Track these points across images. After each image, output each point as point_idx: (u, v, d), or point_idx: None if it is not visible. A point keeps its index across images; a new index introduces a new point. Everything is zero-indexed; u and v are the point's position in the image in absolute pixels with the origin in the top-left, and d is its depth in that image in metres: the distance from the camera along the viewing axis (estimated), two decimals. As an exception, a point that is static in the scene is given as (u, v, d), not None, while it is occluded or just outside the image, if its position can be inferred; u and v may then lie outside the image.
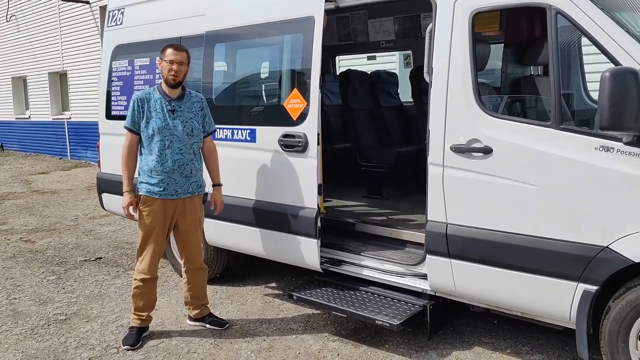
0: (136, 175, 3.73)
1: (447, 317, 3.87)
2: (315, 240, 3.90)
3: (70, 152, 15.57)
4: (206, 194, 3.92)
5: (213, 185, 3.94)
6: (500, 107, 3.55)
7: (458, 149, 3.24)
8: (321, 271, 4.03)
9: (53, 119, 16.17)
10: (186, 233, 3.82)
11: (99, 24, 13.61)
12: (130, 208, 3.70)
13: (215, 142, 3.99)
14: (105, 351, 3.72)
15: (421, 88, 5.25)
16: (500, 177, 3.12)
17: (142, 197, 3.70)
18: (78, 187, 10.93)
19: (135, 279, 3.79)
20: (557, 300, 2.99)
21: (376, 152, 5.42)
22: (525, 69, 4.28)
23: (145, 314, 3.83)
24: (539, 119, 3.23)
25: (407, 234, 4.01)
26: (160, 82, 3.74)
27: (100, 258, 5.95)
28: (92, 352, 3.70)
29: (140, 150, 3.72)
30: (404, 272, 3.73)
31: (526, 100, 3.66)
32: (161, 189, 3.65)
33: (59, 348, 3.79)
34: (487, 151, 3.14)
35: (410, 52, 6.10)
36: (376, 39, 5.95)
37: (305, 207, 3.92)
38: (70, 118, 15.41)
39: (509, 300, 3.21)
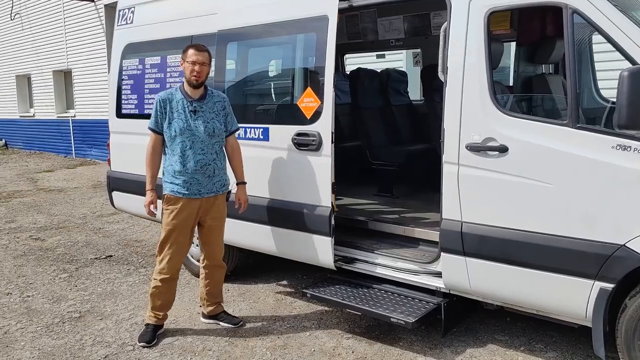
0: (160, 174, 3.77)
1: (460, 314, 3.89)
2: (330, 239, 3.92)
3: (75, 150, 15.61)
4: (229, 192, 3.94)
5: (237, 184, 3.96)
6: (515, 105, 3.56)
7: (473, 148, 3.26)
8: (335, 269, 4.06)
9: (58, 117, 16.20)
10: (209, 230, 3.86)
11: (104, 22, 13.63)
12: (152, 206, 3.75)
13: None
14: (122, 348, 3.74)
15: (433, 86, 5.26)
16: (515, 175, 3.13)
17: (165, 196, 3.72)
18: (84, 185, 10.96)
19: (154, 279, 3.81)
20: (573, 298, 3.01)
21: (386, 150, 5.43)
22: (537, 68, 4.29)
23: (162, 312, 3.86)
24: (554, 118, 3.25)
25: (420, 232, 4.03)
26: (183, 83, 3.76)
27: (111, 256, 5.97)
28: (108, 350, 3.73)
29: (164, 150, 3.76)
30: (417, 270, 3.75)
31: (541, 98, 3.68)
32: (185, 189, 3.67)
33: (75, 345, 3.82)
34: (502, 150, 3.15)
35: (419, 50, 6.10)
36: (386, 37, 5.96)
37: (319, 205, 3.94)
38: (75, 116, 15.44)
39: (525, 298, 3.23)
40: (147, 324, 3.88)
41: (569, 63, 2.98)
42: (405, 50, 7.87)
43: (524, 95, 3.73)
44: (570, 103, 2.97)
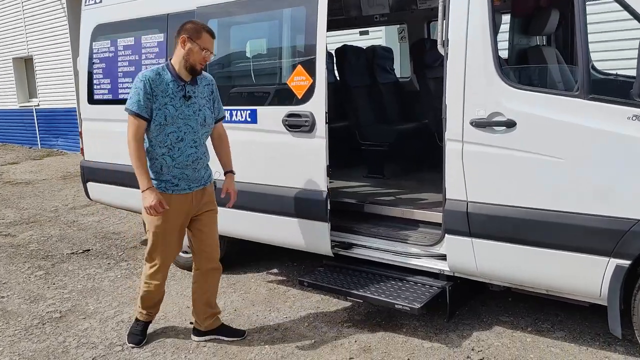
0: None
1: (464, 297, 3.78)
2: (326, 224, 3.74)
3: (40, 141, 14.98)
4: (214, 181, 3.59)
5: (225, 173, 3.54)
6: (522, 78, 3.41)
7: (479, 124, 3.10)
8: (332, 256, 3.88)
9: (20, 106, 15.51)
10: (203, 227, 3.40)
11: (65, 5, 13.00)
12: (161, 205, 3.16)
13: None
14: (109, 349, 3.51)
15: (424, 62, 5.08)
16: (524, 151, 2.99)
17: None
18: (53, 176, 10.51)
19: (145, 282, 3.45)
20: (587, 276, 2.91)
21: (376, 130, 5.25)
22: (531, 40, 4.15)
23: (154, 310, 3.62)
24: (563, 89, 3.12)
25: (420, 214, 3.88)
26: (169, 62, 3.26)
27: (88, 250, 5.68)
28: (95, 352, 3.49)
29: (146, 139, 3.21)
30: (419, 254, 3.60)
31: (548, 70, 3.53)
32: (174, 185, 3.25)
33: (58, 348, 3.56)
34: (510, 125, 3.01)
35: (405, 25, 5.91)
36: (369, 13, 5.74)
37: (314, 189, 3.75)
38: (38, 105, 14.80)
39: (536, 279, 3.12)
40: (136, 320, 3.63)
41: (580, 31, 2.83)
42: (384, 27, 7.66)
43: (529, 67, 3.58)
44: (581, 73, 2.84)
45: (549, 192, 2.95)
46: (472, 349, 3.31)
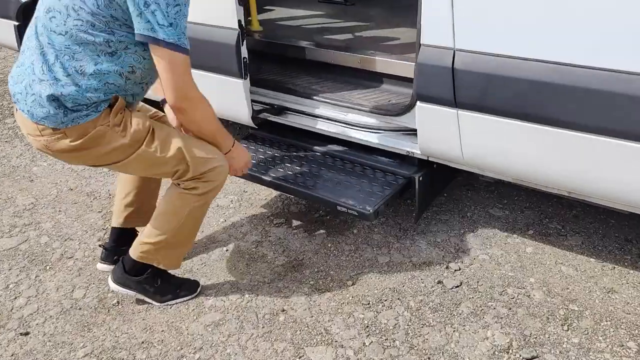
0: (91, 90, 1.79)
1: (440, 188, 2.69)
2: (241, 81, 2.48)
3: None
4: None
5: None
6: None
7: None
8: (255, 126, 2.69)
9: None
10: None
11: None
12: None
13: None
14: None
15: None
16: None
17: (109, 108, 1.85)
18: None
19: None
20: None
21: None
22: None
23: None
24: None
25: (383, 64, 2.59)
26: None
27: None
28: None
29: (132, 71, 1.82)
30: (377, 126, 2.41)
31: None
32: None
33: None
34: None
35: None
36: None
37: (222, 26, 2.42)
38: None
39: (564, 180, 1.97)
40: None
41: None
42: None
43: None
44: None
45: (593, 39, 1.67)
46: (447, 267, 2.29)
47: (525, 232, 2.48)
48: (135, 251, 2.09)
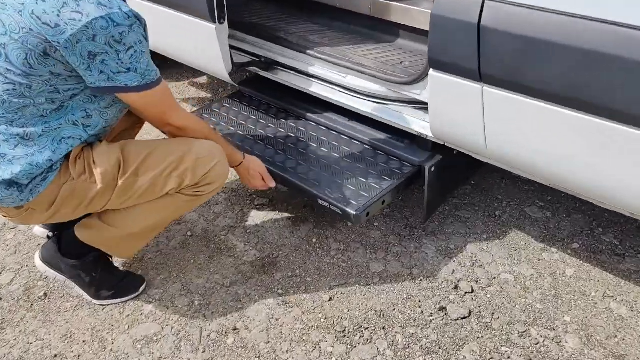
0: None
1: (462, 175, 2.11)
2: (213, 26, 1.94)
3: None
4: None
5: None
6: None
7: None
8: (234, 84, 2.17)
9: None
10: None
11: None
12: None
13: None
14: None
15: None
16: None
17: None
18: None
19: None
20: None
21: None
22: None
23: None
24: None
25: (398, 11, 1.97)
26: None
27: None
28: None
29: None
30: (383, 95, 1.84)
31: None
32: None
33: None
34: None
35: None
36: None
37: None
38: None
39: (624, 195, 1.38)
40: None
41: None
42: None
43: None
44: None
45: None
46: (456, 287, 1.76)
47: (568, 245, 1.90)
48: (82, 230, 1.68)
